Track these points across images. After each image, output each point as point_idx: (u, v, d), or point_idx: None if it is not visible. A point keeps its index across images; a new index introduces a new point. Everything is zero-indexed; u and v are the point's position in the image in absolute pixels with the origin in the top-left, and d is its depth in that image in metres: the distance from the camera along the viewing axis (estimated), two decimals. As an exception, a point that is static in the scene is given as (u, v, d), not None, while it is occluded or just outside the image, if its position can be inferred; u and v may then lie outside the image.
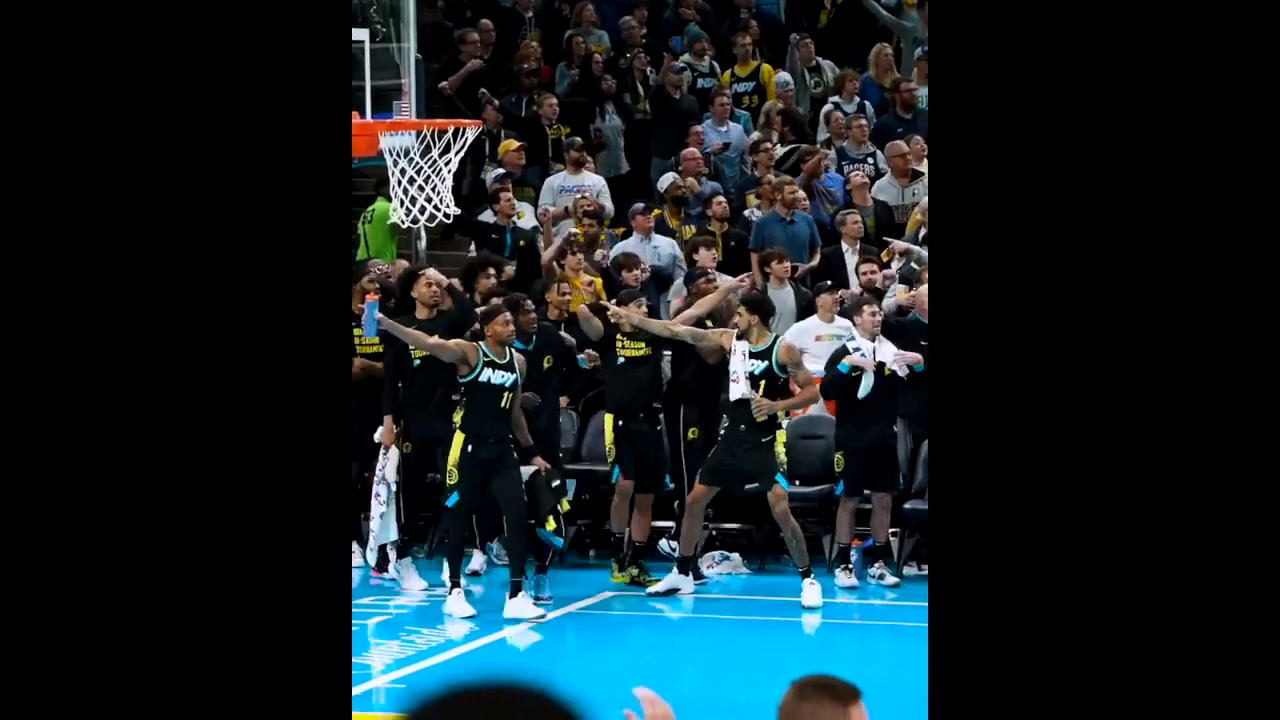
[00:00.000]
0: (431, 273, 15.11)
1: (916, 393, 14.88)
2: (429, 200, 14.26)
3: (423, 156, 14.24)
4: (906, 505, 15.37)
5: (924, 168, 18.11)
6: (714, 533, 15.87)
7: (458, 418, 13.90)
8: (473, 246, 17.68)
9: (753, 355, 14.40)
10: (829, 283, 16.29)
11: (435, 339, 14.05)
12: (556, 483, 14.25)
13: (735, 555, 15.83)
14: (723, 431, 14.56)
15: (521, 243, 17.66)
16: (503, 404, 13.83)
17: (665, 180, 18.62)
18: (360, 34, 14.49)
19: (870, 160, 18.58)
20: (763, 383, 14.43)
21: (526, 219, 18.26)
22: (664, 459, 15.19)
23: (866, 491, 15.28)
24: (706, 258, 16.66)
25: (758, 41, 20.43)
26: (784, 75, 20.00)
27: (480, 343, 13.80)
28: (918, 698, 11.19)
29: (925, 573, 15.28)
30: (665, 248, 17.63)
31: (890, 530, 15.48)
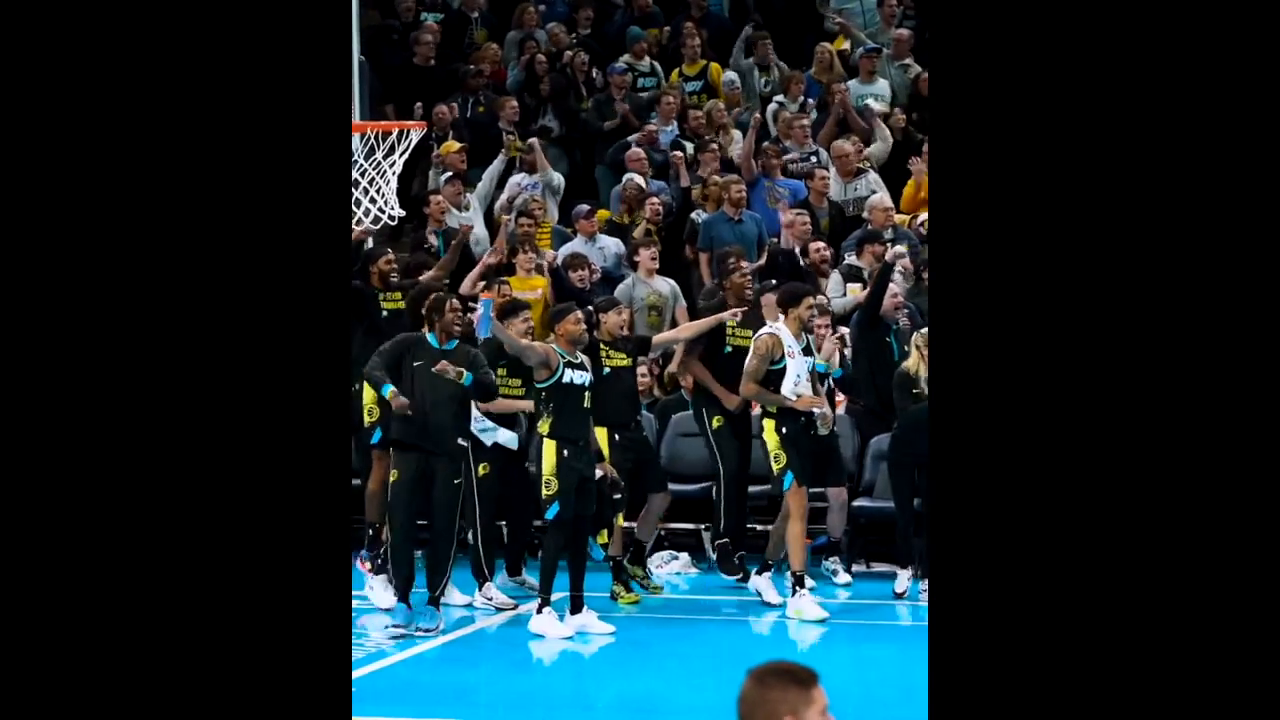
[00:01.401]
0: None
1: (874, 390, 14.73)
2: (373, 202, 14.14)
3: (366, 158, 14.09)
4: (855, 503, 15.22)
5: (865, 165, 18.09)
6: (663, 533, 15.73)
7: (545, 426, 13.41)
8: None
9: (804, 352, 14.01)
10: (774, 282, 16.16)
11: (525, 340, 13.62)
12: (617, 496, 13.91)
13: (684, 555, 15.75)
14: (785, 431, 14.00)
15: (454, 242, 17.50)
16: (585, 404, 13.50)
17: (625, 180, 18.55)
18: (305, 36, 14.25)
19: (814, 158, 18.57)
20: (818, 384, 14.06)
21: (474, 212, 18.04)
22: (658, 458, 14.98)
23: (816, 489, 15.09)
24: (645, 257, 16.78)
25: (705, 41, 20.29)
26: (730, 74, 19.94)
27: (552, 344, 13.42)
28: (879, 692, 11.32)
29: (873, 570, 15.22)
30: (611, 248, 17.58)
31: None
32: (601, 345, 14.40)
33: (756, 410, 14.45)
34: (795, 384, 13.84)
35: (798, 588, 13.94)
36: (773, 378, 13.93)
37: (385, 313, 15.12)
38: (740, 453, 14.95)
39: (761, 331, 14.19)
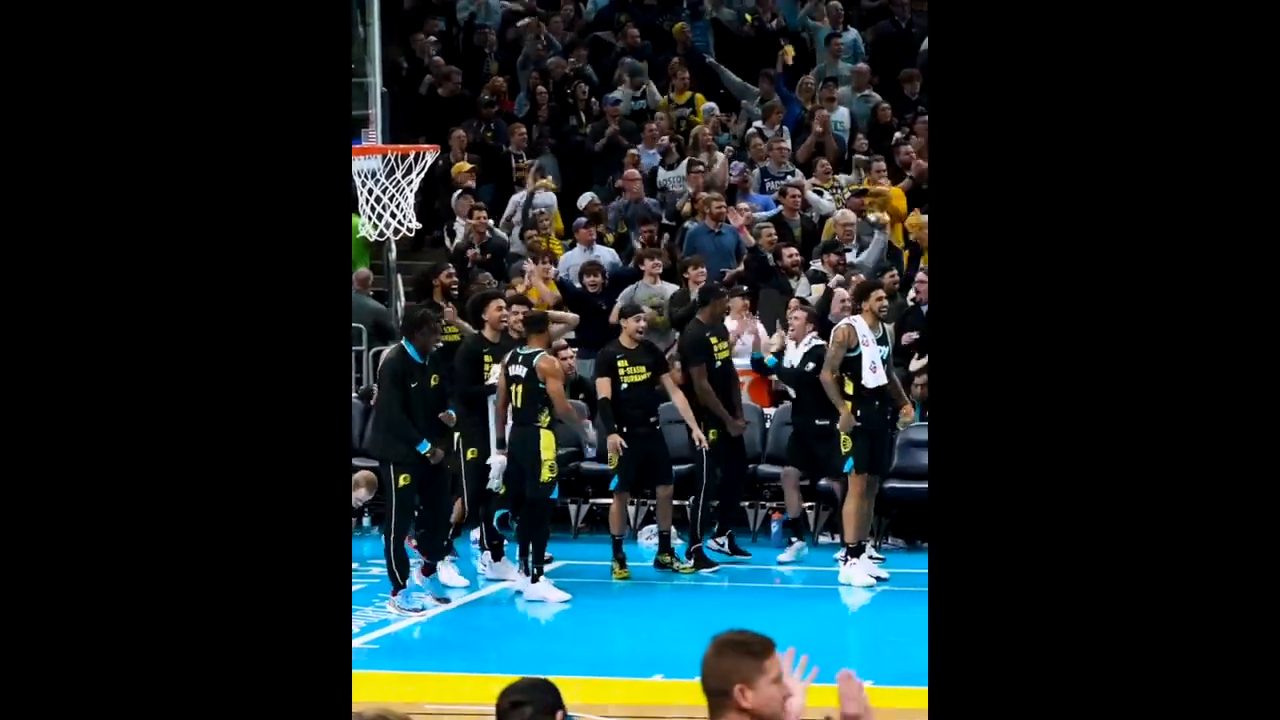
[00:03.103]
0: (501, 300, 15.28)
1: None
2: (394, 216, 15.20)
3: (388, 178, 15.12)
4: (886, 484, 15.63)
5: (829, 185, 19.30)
6: (650, 508, 16.47)
7: (545, 420, 14.36)
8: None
9: (878, 342, 14.65)
10: (744, 288, 17.15)
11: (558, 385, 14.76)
12: None
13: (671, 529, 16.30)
14: (860, 421, 14.67)
15: (488, 255, 18.61)
16: None
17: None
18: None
19: (789, 176, 19.69)
20: (885, 367, 14.71)
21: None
22: (668, 454, 15.57)
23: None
24: (649, 265, 17.88)
25: (692, 76, 21.44)
26: (710, 104, 21.11)
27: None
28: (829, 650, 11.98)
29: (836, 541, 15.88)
30: (606, 255, 18.65)
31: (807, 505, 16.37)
32: (618, 360, 15.30)
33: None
34: (872, 368, 14.51)
35: (851, 557, 14.85)
36: (850, 364, 14.59)
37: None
38: (726, 471, 15.71)
39: (840, 323, 14.98)
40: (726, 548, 15.95)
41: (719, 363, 15.59)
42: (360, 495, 15.31)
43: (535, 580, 14.57)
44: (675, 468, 15.69)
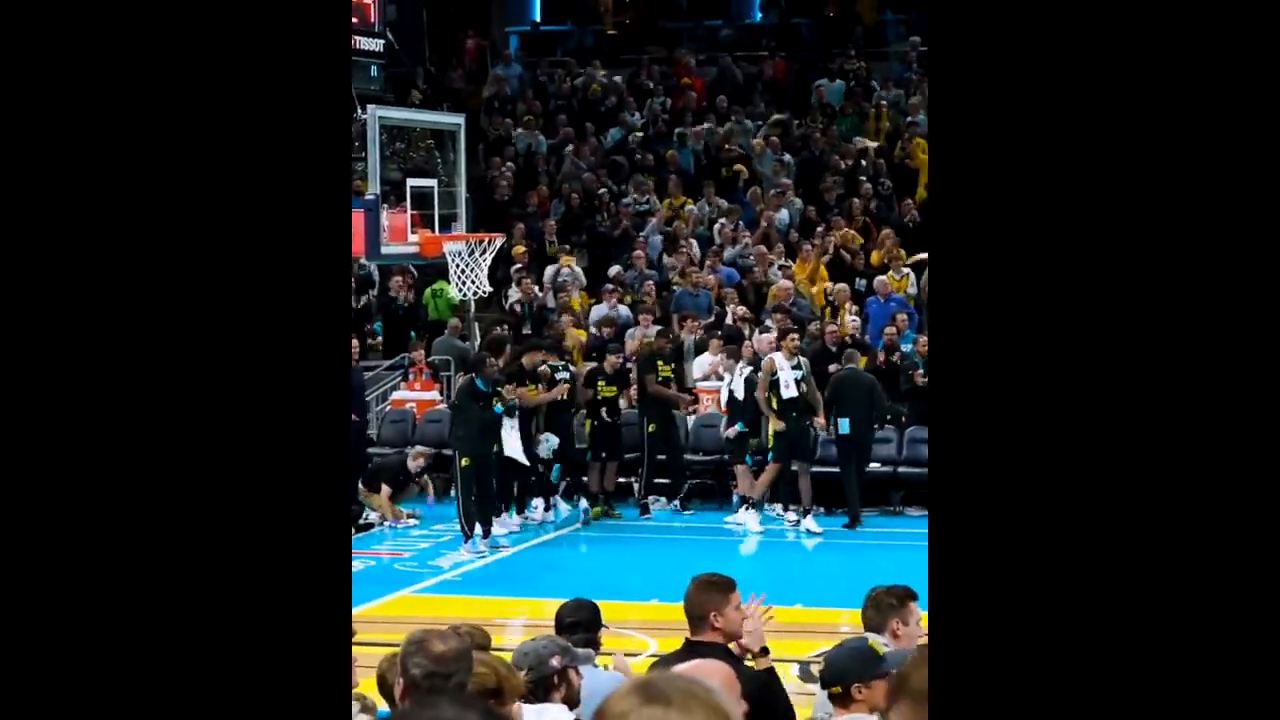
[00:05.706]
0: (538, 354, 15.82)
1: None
2: (473, 283, 15.51)
3: (469, 256, 15.50)
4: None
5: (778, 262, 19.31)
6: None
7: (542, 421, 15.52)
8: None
9: (793, 368, 15.01)
10: (719, 332, 17.46)
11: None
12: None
13: (662, 498, 16.61)
14: (784, 423, 14.92)
15: (537, 308, 18.78)
16: None
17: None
18: (431, 182, 15.71)
19: (749, 257, 19.83)
20: (802, 386, 15.04)
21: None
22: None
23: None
24: (646, 320, 18.01)
25: (681, 184, 21.64)
26: (691, 206, 21.28)
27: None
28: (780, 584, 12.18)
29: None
30: (623, 312, 18.85)
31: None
32: (599, 380, 15.94)
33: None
34: (786, 386, 14.87)
35: (748, 509, 15.28)
36: (774, 386, 14.89)
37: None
38: (665, 448, 16.10)
39: (766, 357, 15.25)
40: (678, 507, 16.29)
41: (662, 377, 16.18)
42: (419, 464, 16.03)
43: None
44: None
